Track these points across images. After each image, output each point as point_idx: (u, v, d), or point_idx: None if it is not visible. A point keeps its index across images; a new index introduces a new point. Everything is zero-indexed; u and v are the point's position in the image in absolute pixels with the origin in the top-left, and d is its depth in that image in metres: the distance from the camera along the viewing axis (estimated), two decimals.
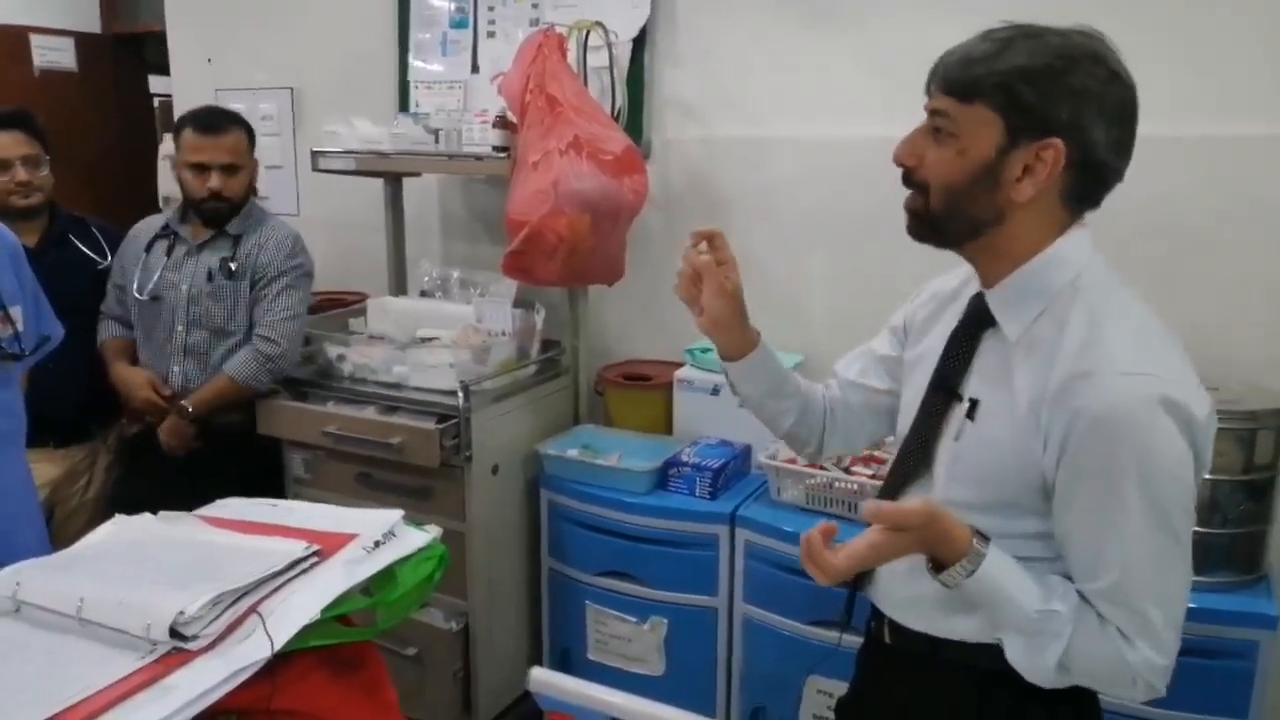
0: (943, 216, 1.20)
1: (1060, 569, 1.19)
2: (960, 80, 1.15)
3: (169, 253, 2.59)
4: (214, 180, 2.52)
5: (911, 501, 1.22)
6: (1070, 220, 1.20)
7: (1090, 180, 1.17)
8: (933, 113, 1.19)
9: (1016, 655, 1.18)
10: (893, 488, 1.34)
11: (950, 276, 1.41)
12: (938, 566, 1.16)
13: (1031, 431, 1.16)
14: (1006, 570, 1.15)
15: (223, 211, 2.56)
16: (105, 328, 2.69)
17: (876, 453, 2.27)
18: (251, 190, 2.66)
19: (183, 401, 2.50)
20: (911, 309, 1.46)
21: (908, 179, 1.23)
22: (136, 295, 2.58)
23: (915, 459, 1.31)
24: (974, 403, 1.24)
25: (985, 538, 1.15)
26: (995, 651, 1.20)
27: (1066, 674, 1.16)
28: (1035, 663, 1.16)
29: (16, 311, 1.91)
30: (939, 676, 1.30)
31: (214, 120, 2.57)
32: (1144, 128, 1.19)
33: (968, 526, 1.15)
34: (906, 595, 1.32)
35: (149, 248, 2.62)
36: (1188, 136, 2.14)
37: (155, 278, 2.57)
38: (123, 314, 2.68)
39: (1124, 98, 1.14)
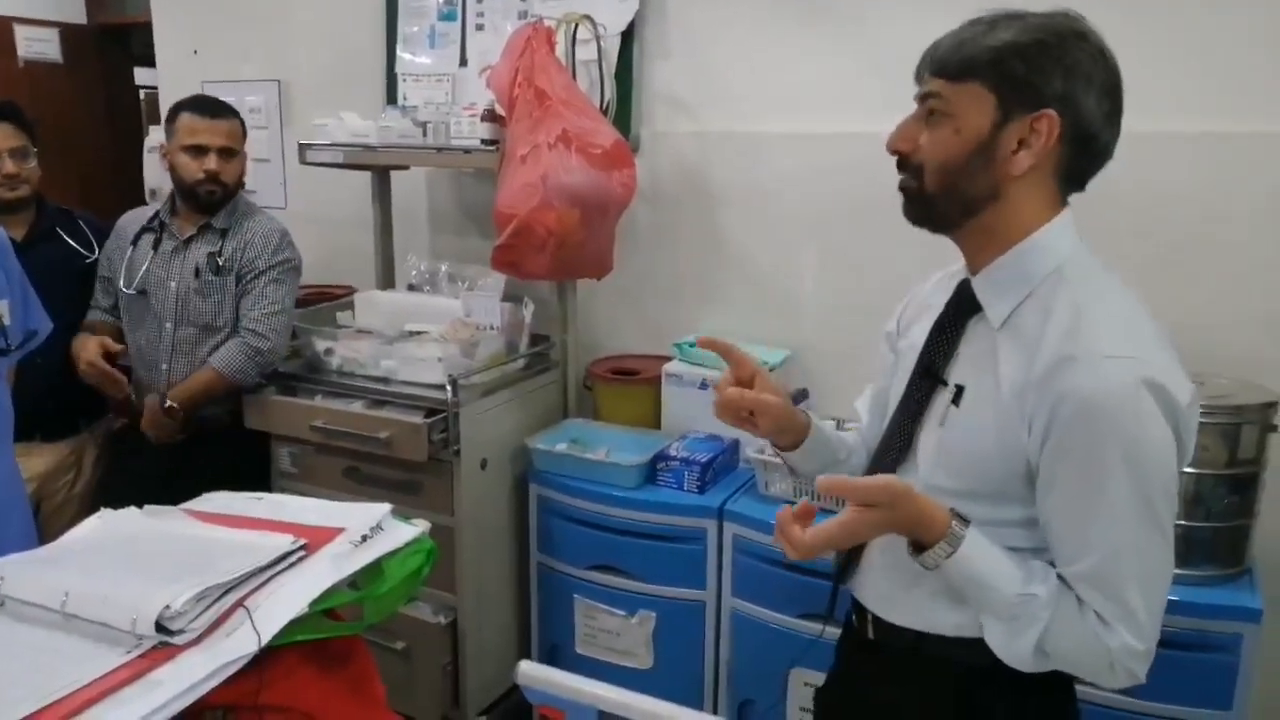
0: (939, 196, 1.20)
1: (1044, 559, 1.20)
2: (952, 61, 1.17)
3: (155, 246, 2.58)
4: (211, 162, 2.51)
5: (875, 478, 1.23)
6: (1060, 200, 1.21)
7: (1083, 154, 1.18)
8: (925, 96, 1.20)
9: (995, 639, 1.18)
10: (876, 474, 1.33)
11: (947, 272, 1.41)
12: (917, 548, 1.17)
13: (1015, 417, 1.16)
14: (986, 552, 1.15)
15: (217, 196, 2.55)
16: (94, 314, 2.68)
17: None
18: (240, 182, 2.65)
19: (169, 400, 2.49)
20: (899, 311, 1.47)
21: (902, 164, 1.24)
22: (124, 289, 2.57)
23: (897, 445, 1.31)
24: (959, 389, 1.24)
25: (965, 520, 1.16)
26: (978, 646, 1.21)
27: (1045, 658, 1.17)
28: (1013, 646, 1.17)
29: (3, 305, 1.89)
30: (920, 671, 1.31)
31: (213, 105, 2.58)
32: (1141, 123, 1.20)
33: (948, 509, 1.16)
34: (890, 590, 1.33)
35: (135, 240, 2.61)
36: (1184, 132, 2.15)
37: (142, 272, 2.56)
38: (110, 306, 2.67)
39: (1111, 72, 1.16)
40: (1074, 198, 1.24)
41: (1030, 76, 1.13)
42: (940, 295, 1.34)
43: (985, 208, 1.20)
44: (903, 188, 1.25)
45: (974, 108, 1.16)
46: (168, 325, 2.55)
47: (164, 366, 2.56)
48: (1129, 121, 1.19)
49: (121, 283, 2.58)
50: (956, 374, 1.26)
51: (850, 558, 1.38)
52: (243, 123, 2.62)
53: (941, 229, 1.26)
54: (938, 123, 1.18)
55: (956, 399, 1.24)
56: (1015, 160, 1.16)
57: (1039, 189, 1.19)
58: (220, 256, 2.54)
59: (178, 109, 2.57)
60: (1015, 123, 1.15)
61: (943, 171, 1.19)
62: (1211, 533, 1.91)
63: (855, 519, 1.14)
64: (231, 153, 2.55)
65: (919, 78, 1.22)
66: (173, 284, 2.55)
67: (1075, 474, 1.13)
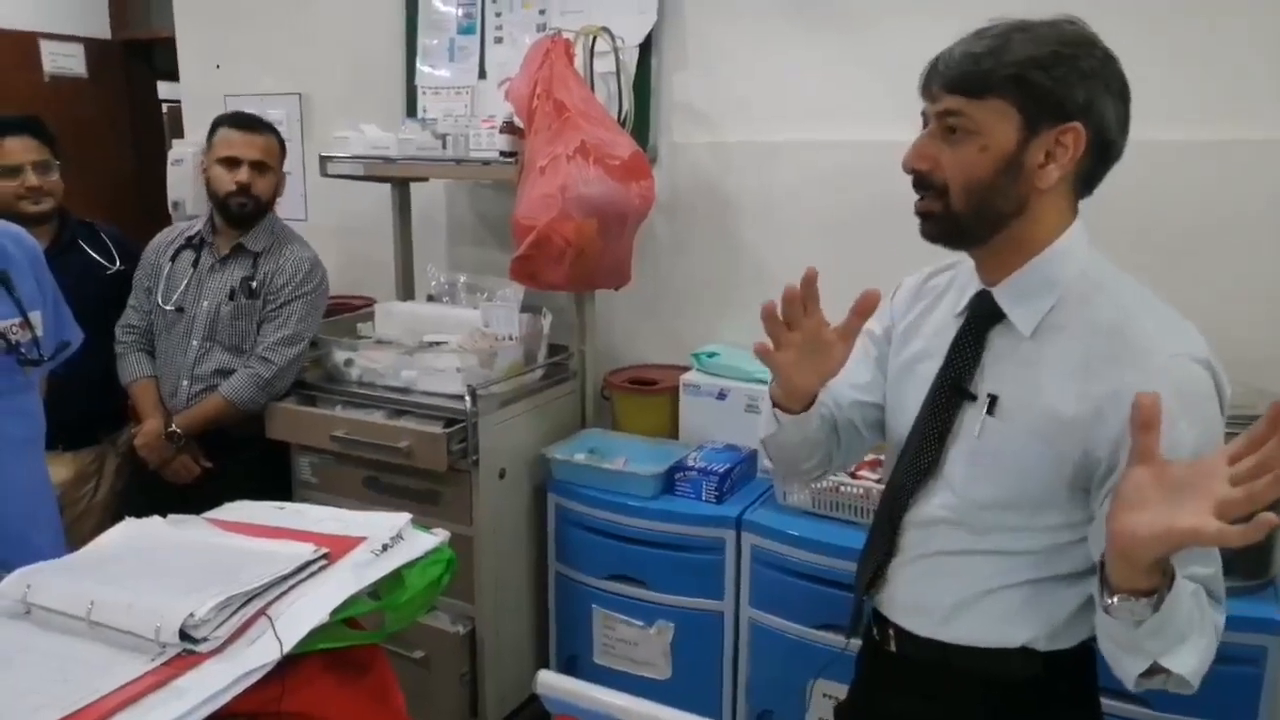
0: (967, 215, 1.19)
1: (1047, 567, 1.20)
2: (970, 76, 1.15)
3: (195, 264, 2.61)
4: (243, 173, 2.53)
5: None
6: (1074, 206, 1.22)
7: (1100, 161, 1.19)
8: (942, 114, 1.18)
9: (1194, 661, 1.08)
10: (905, 490, 1.31)
11: (933, 272, 1.41)
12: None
13: (1074, 425, 1.15)
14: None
15: (248, 209, 2.56)
16: (131, 361, 2.64)
17: (882, 456, 2.27)
18: (274, 198, 2.66)
19: (174, 425, 2.51)
20: (894, 311, 1.44)
21: (920, 183, 1.22)
22: (162, 305, 2.59)
23: (925, 463, 1.28)
24: (993, 398, 1.22)
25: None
26: (1006, 658, 1.19)
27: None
28: (1207, 659, 1.09)
29: (36, 316, 1.91)
30: (946, 684, 1.30)
31: (250, 120, 2.61)
32: (1141, 131, 1.21)
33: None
34: (918, 602, 1.31)
35: (174, 257, 2.63)
36: (1184, 141, 2.15)
37: (181, 289, 2.59)
38: (145, 326, 2.67)
39: (1121, 76, 1.17)
40: (1080, 204, 1.24)
41: (1054, 89, 1.13)
42: (949, 296, 1.33)
43: (1012, 221, 1.19)
44: (923, 211, 1.22)
45: (999, 124, 1.15)
46: (194, 342, 2.57)
47: (184, 383, 2.58)
48: (1132, 130, 1.20)
49: (159, 298, 2.60)
50: (986, 384, 1.24)
51: (877, 570, 1.36)
52: (281, 142, 2.64)
53: (966, 246, 1.25)
54: (961, 140, 1.17)
55: (992, 409, 1.22)
56: (1043, 174, 1.16)
57: (1061, 198, 1.20)
58: (254, 280, 2.57)
59: (217, 123, 2.61)
60: (1041, 136, 1.15)
61: (970, 190, 1.18)
62: None
63: None
64: (265, 167, 2.57)
65: (927, 93, 1.20)
66: (206, 303, 2.57)
67: None
